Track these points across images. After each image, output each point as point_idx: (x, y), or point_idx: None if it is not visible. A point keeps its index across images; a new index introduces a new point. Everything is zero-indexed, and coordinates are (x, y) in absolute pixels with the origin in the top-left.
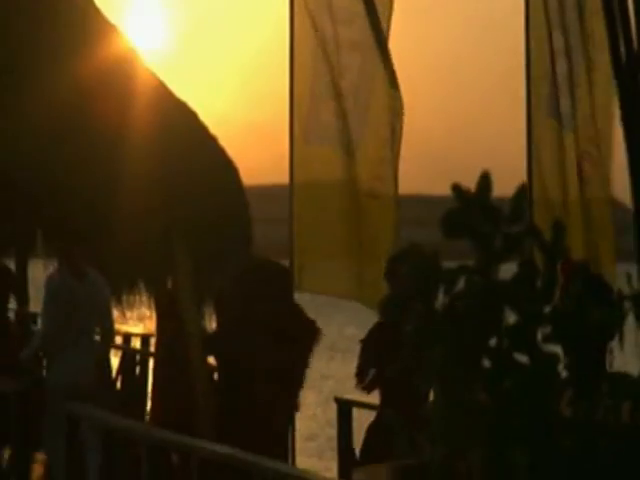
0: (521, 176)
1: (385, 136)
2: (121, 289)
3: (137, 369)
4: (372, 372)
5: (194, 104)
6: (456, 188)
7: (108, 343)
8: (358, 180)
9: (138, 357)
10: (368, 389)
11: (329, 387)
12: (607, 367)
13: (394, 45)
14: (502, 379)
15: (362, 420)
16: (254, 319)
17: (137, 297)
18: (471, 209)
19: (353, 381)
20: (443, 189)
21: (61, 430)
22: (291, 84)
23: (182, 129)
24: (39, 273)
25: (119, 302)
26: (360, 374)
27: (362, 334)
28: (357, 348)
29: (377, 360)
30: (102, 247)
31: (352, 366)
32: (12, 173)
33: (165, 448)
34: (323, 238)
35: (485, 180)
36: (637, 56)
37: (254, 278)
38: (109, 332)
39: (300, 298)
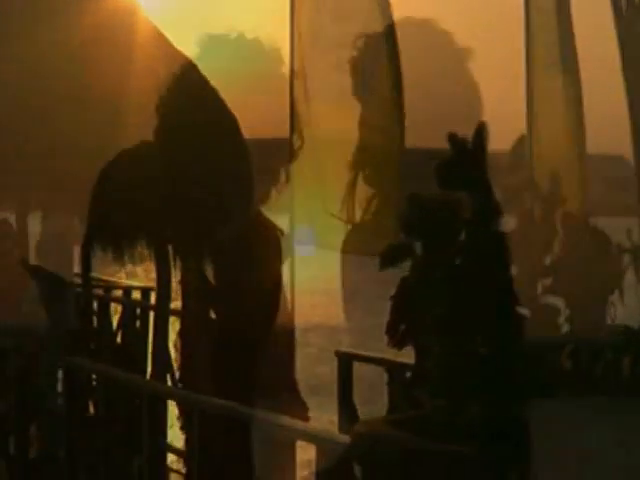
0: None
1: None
2: (122, 243)
3: (137, 322)
4: (402, 328)
5: (194, 57)
6: (452, 137)
7: None
8: (362, 134)
9: (139, 310)
10: (400, 345)
11: (340, 341)
12: (608, 320)
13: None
14: (501, 332)
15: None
16: (252, 282)
17: (138, 250)
18: (465, 159)
19: (364, 335)
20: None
21: (56, 376)
22: (292, 35)
23: (181, 81)
24: (38, 227)
25: (120, 256)
26: (390, 330)
27: (375, 289)
28: (372, 303)
29: (407, 315)
30: (103, 201)
31: (367, 320)
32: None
33: (165, 401)
34: (324, 193)
35: (481, 130)
36: (637, 7)
37: (253, 239)
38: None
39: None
